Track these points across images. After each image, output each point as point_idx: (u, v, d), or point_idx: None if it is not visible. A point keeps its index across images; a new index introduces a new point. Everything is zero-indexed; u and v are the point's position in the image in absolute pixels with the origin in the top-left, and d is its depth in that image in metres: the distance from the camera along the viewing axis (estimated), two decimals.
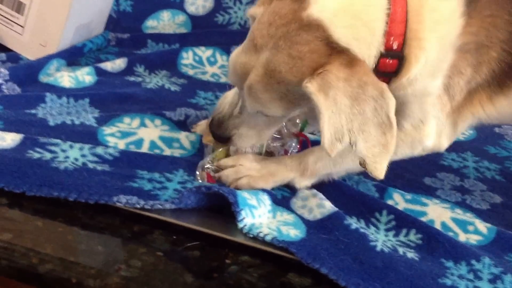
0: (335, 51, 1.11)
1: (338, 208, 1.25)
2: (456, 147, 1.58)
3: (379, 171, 1.11)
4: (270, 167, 1.31)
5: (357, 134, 1.09)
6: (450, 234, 1.25)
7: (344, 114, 1.09)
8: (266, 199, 1.24)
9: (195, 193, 1.18)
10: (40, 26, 1.73)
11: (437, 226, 1.28)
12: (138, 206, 1.17)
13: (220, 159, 1.33)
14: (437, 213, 1.31)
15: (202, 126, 1.47)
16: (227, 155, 1.34)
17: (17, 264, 1.07)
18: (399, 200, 1.34)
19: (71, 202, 1.19)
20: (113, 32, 1.99)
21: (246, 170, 1.29)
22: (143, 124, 1.48)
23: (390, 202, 1.33)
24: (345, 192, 1.32)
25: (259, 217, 1.18)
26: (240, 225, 1.15)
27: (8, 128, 1.37)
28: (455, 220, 1.30)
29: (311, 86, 1.09)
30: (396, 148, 1.16)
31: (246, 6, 2.08)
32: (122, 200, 1.17)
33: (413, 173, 1.45)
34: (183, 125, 1.50)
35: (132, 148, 1.39)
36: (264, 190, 1.27)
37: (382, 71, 1.17)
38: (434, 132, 1.27)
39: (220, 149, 1.34)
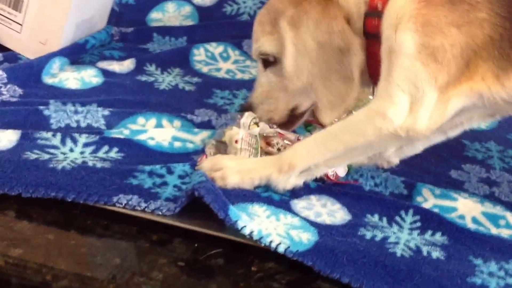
0: None
1: (357, 208, 1.20)
2: (478, 136, 1.53)
3: (328, 119, 1.15)
4: (247, 164, 1.24)
5: (318, 79, 1.12)
6: (481, 229, 1.20)
7: (308, 57, 1.12)
8: (257, 210, 1.15)
9: (188, 198, 1.13)
10: (40, 23, 1.66)
11: (468, 221, 1.22)
12: (139, 208, 1.12)
13: (225, 139, 1.31)
14: (467, 208, 1.25)
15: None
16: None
17: (29, 282, 1.01)
18: (428, 195, 1.27)
19: (82, 210, 1.13)
20: (116, 26, 1.91)
21: (222, 164, 1.22)
22: (159, 125, 1.41)
23: (419, 198, 1.27)
24: (364, 190, 1.27)
25: (260, 222, 1.11)
26: (246, 232, 1.07)
27: (4, 127, 1.31)
28: (486, 214, 1.24)
29: (285, 19, 1.16)
30: (357, 127, 1.14)
31: None
32: (122, 201, 1.13)
33: (439, 166, 1.39)
34: (205, 127, 1.43)
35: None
36: (253, 198, 1.18)
37: (370, 32, 1.15)
38: (404, 106, 1.11)
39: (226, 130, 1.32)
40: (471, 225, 1.19)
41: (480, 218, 1.23)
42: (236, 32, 1.94)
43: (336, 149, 1.17)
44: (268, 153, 1.30)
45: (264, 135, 1.32)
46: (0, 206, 1.13)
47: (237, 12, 2.01)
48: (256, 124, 1.32)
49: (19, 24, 1.67)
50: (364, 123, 1.14)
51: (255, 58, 1.32)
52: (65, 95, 1.49)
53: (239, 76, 1.77)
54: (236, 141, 1.29)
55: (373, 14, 1.15)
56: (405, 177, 1.30)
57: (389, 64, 1.11)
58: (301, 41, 1.14)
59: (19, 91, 1.49)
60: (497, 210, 1.26)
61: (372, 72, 1.21)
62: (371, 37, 1.16)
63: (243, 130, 1.30)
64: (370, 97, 1.50)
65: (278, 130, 1.34)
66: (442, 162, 1.40)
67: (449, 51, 1.08)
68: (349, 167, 1.31)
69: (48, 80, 1.57)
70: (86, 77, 1.60)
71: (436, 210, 1.22)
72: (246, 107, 1.35)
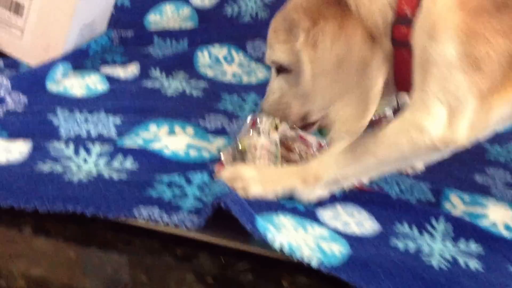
0: (336, 3, 1.11)
1: (384, 217, 1.16)
2: (497, 138, 1.48)
3: (341, 136, 1.12)
4: (269, 173, 1.20)
5: (338, 96, 1.09)
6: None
7: (328, 76, 1.09)
8: (283, 220, 1.11)
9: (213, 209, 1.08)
10: (42, 28, 1.60)
11: (501, 228, 1.18)
12: (161, 220, 1.07)
13: (242, 147, 1.27)
14: (499, 214, 1.22)
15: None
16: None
17: None
18: (457, 202, 1.24)
19: (102, 224, 1.08)
20: (114, 29, 1.85)
21: (243, 174, 1.18)
22: (172, 132, 1.36)
23: (447, 205, 1.23)
24: (391, 197, 1.23)
25: (288, 234, 1.07)
26: (276, 246, 1.02)
27: (13, 137, 1.27)
28: None
29: (301, 33, 1.11)
30: (390, 139, 1.10)
31: None
32: (143, 213, 1.08)
33: (461, 170, 1.36)
34: (218, 133, 1.39)
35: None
36: (277, 208, 1.14)
37: (398, 40, 1.10)
38: (442, 117, 1.06)
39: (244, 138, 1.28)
40: (504, 233, 1.16)
41: None
42: (239, 33, 1.90)
43: (367, 161, 1.13)
44: (288, 160, 1.26)
45: (284, 139, 1.28)
46: (15, 222, 1.08)
47: (238, 13, 1.96)
48: (275, 128, 1.28)
49: (20, 29, 1.61)
50: (398, 136, 1.10)
51: (268, 63, 1.27)
52: (71, 103, 1.44)
53: (245, 79, 1.73)
54: (255, 149, 1.25)
55: (402, 22, 1.09)
56: (430, 182, 1.27)
57: (425, 74, 1.07)
58: (320, 62, 1.09)
59: (24, 99, 1.43)
60: None
61: (399, 80, 1.16)
62: (399, 45, 1.11)
63: (262, 137, 1.26)
64: (386, 108, 1.47)
65: (300, 132, 1.30)
66: (464, 166, 1.36)
67: (495, 59, 1.03)
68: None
69: (52, 87, 1.51)
70: (91, 83, 1.55)
71: (466, 217, 1.19)
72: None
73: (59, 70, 1.55)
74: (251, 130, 1.31)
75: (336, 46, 1.09)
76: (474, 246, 1.11)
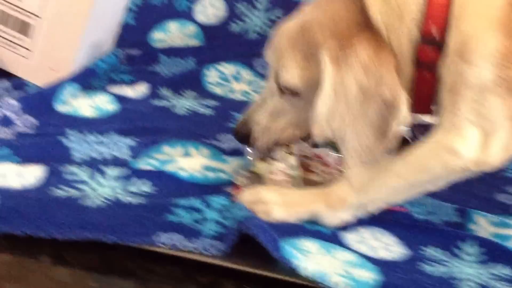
0: (368, 26, 1.05)
1: (411, 240, 1.14)
2: None
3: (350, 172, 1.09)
4: (291, 196, 1.17)
5: (349, 127, 1.04)
6: None
7: (346, 101, 1.03)
8: (308, 245, 1.08)
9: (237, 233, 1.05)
10: (50, 48, 1.56)
11: None
12: (183, 247, 1.04)
13: (256, 171, 1.25)
14: None
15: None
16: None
17: None
18: (483, 223, 1.21)
19: (121, 252, 1.04)
20: (119, 47, 1.82)
21: (264, 197, 1.15)
22: (186, 153, 1.33)
23: (473, 226, 1.21)
24: (416, 219, 1.20)
25: (315, 260, 1.04)
26: (304, 273, 0.99)
27: (26, 162, 1.23)
28: None
29: (326, 53, 1.04)
30: (421, 162, 1.07)
31: (263, 12, 1.93)
32: (164, 240, 1.04)
33: (482, 189, 1.33)
34: (233, 154, 1.35)
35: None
36: (300, 232, 1.11)
37: (423, 61, 1.06)
38: (474, 139, 1.04)
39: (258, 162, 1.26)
40: None
41: None
42: (246, 51, 1.87)
43: (396, 185, 1.11)
44: (309, 181, 1.24)
45: (302, 160, 1.25)
46: (33, 250, 1.04)
47: (244, 30, 1.93)
48: (290, 152, 1.25)
49: (27, 49, 1.58)
50: (429, 158, 1.07)
51: (275, 82, 1.17)
52: (82, 124, 1.40)
53: (254, 97, 1.70)
54: (273, 173, 1.22)
55: (428, 42, 1.05)
56: (452, 202, 1.24)
57: (456, 96, 1.04)
58: (342, 83, 1.03)
59: (34, 121, 1.39)
60: None
61: (417, 102, 1.10)
62: (423, 67, 1.07)
63: (278, 162, 1.23)
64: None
65: (315, 151, 1.27)
66: (484, 185, 1.34)
67: None
68: None
69: (61, 108, 1.48)
70: (101, 104, 1.52)
71: (493, 239, 1.16)
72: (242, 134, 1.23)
73: (67, 91, 1.51)
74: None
75: (366, 73, 1.03)
76: (506, 270, 1.08)
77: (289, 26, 1.15)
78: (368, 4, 1.07)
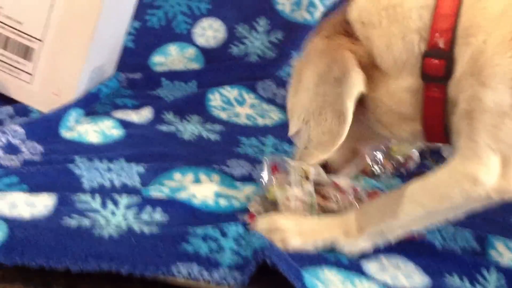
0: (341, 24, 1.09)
1: (432, 268, 1.12)
2: None
3: (314, 159, 1.10)
4: (308, 224, 1.15)
5: (313, 116, 1.06)
6: None
7: (307, 92, 1.06)
8: (328, 275, 1.06)
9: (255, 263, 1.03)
10: (53, 73, 1.53)
11: None
12: (201, 278, 1.01)
13: (270, 197, 1.22)
14: None
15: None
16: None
17: None
18: (503, 250, 1.19)
19: (138, 283, 1.02)
20: (120, 71, 1.80)
21: (280, 225, 1.13)
22: (197, 180, 1.30)
23: (493, 253, 1.19)
24: (436, 246, 1.18)
25: None
26: None
27: (34, 190, 1.19)
28: None
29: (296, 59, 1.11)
30: (440, 190, 1.05)
31: (263, 35, 1.91)
32: (182, 270, 1.02)
33: (499, 214, 1.31)
34: (245, 180, 1.33)
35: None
36: (320, 261, 1.10)
37: (429, 74, 1.04)
38: (495, 166, 1.01)
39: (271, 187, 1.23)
40: None
41: None
42: (247, 74, 1.86)
43: (414, 212, 1.08)
44: (325, 209, 1.21)
45: (318, 187, 1.23)
46: (46, 281, 1.01)
47: (245, 53, 1.92)
48: (306, 177, 1.23)
49: (30, 74, 1.54)
50: (449, 187, 1.04)
51: None
52: (88, 150, 1.38)
53: (260, 121, 1.69)
54: (288, 200, 1.20)
55: (436, 55, 1.03)
56: (472, 229, 1.22)
57: (473, 121, 1.00)
58: (305, 76, 1.08)
59: (39, 148, 1.36)
60: None
61: (429, 123, 1.08)
62: (431, 81, 1.04)
63: (294, 188, 1.21)
64: (413, 150, 1.43)
65: (333, 178, 1.25)
66: (501, 210, 1.31)
67: None
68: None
69: (66, 134, 1.45)
70: (106, 129, 1.49)
71: None
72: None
73: (72, 116, 1.48)
74: (273, 177, 1.26)
75: (321, 60, 1.07)
76: None
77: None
78: (351, 2, 1.09)
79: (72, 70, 1.52)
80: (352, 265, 1.10)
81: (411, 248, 1.16)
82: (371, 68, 1.08)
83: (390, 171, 1.41)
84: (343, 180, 1.26)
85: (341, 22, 1.11)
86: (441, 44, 1.02)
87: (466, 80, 1.01)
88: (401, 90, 1.08)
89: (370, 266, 1.11)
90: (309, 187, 1.21)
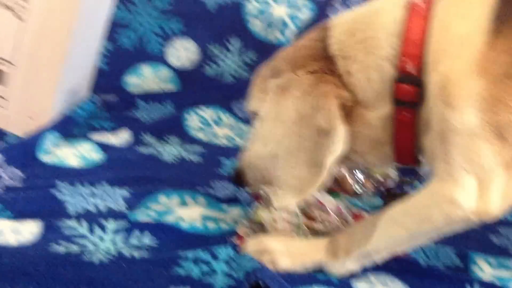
0: (324, 57, 1.08)
1: (419, 286, 1.14)
2: None
3: (282, 203, 1.08)
4: (296, 246, 1.16)
5: (284, 154, 1.05)
6: None
7: (283, 126, 1.05)
8: None
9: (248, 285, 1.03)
10: (27, 96, 1.52)
11: None
12: None
13: (257, 219, 1.24)
14: None
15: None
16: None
17: None
18: (484, 266, 1.22)
19: None
20: (95, 93, 1.78)
21: (269, 247, 1.14)
22: (183, 203, 1.30)
23: (475, 269, 1.22)
24: (421, 264, 1.20)
25: None
26: None
27: (19, 216, 1.18)
28: None
29: (274, 81, 1.08)
30: (421, 212, 1.05)
31: (236, 55, 1.93)
32: None
33: (476, 231, 1.32)
34: (231, 202, 1.33)
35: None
36: (311, 281, 1.10)
37: (401, 99, 1.04)
38: (472, 188, 1.01)
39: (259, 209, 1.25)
40: None
41: None
42: (222, 94, 1.87)
43: (397, 234, 1.09)
44: (312, 229, 1.23)
45: (304, 208, 1.25)
46: None
47: (220, 73, 1.93)
48: None
49: (3, 98, 1.52)
50: (429, 209, 1.04)
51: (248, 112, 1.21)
52: (70, 175, 1.36)
53: (239, 141, 1.70)
54: (275, 221, 1.21)
55: (406, 80, 1.03)
56: (454, 247, 1.25)
57: (446, 144, 1.01)
58: (283, 107, 1.06)
59: (20, 174, 1.34)
60: None
61: (399, 147, 1.10)
62: (402, 105, 1.05)
63: (280, 210, 1.22)
64: (390, 169, 1.46)
65: (317, 197, 1.27)
66: (481, 227, 1.34)
67: None
68: None
69: (45, 158, 1.43)
70: (85, 153, 1.48)
71: (496, 281, 1.18)
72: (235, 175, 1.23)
73: (48, 140, 1.47)
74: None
75: (305, 100, 1.05)
76: None
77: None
78: (329, 35, 1.08)
79: (45, 93, 1.51)
80: (342, 284, 1.11)
81: (397, 265, 1.17)
82: (352, 106, 1.08)
83: (371, 190, 1.43)
84: (327, 199, 1.28)
85: (321, 54, 1.10)
86: (411, 69, 1.03)
87: (436, 104, 1.02)
88: (376, 118, 1.09)
89: (359, 285, 1.12)
90: (295, 208, 1.23)
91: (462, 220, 1.04)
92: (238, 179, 1.22)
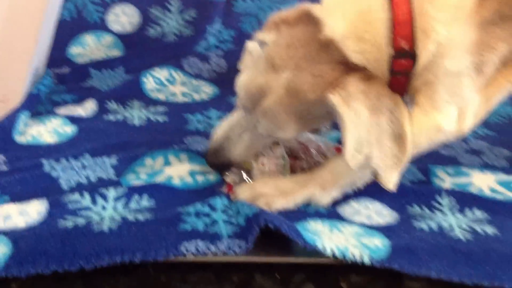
0: (352, 69, 1.14)
1: (395, 203, 1.27)
2: None
3: (391, 183, 1.16)
4: (286, 185, 1.27)
5: (374, 145, 1.14)
6: (500, 198, 1.30)
7: (363, 125, 1.13)
8: (316, 226, 1.18)
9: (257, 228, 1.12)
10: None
11: (487, 192, 1.33)
12: (210, 251, 1.09)
13: (246, 165, 1.33)
14: (481, 180, 1.36)
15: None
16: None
17: None
18: (443, 176, 1.37)
19: (151, 268, 1.09)
20: (50, 68, 1.81)
21: (261, 191, 1.25)
22: (167, 162, 1.38)
23: (437, 180, 1.37)
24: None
25: (329, 238, 1.14)
26: (328, 253, 1.10)
27: (17, 199, 1.22)
28: (501, 183, 1.36)
29: (334, 98, 1.13)
30: (414, 139, 1.18)
31: (176, 14, 1.98)
32: (190, 248, 1.09)
33: None
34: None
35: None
36: (303, 216, 1.22)
37: (398, 71, 1.17)
38: (453, 115, 1.20)
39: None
40: (493, 195, 1.31)
41: (497, 188, 1.34)
42: (170, 53, 1.92)
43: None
44: (295, 168, 1.34)
45: (289, 150, 1.35)
46: (64, 285, 1.05)
47: (162, 34, 1.98)
48: (277, 143, 1.34)
49: None
50: (417, 136, 1.19)
51: (262, 132, 1.24)
52: (51, 152, 1.40)
53: (196, 97, 1.77)
54: (263, 164, 1.31)
55: (402, 56, 1.16)
56: (413, 163, 1.35)
57: (434, 85, 1.18)
58: (356, 113, 1.13)
59: (2, 157, 1.38)
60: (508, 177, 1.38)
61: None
62: (397, 74, 1.18)
63: (266, 153, 1.32)
64: None
65: (300, 140, 1.38)
66: None
67: (495, 61, 1.17)
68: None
69: (20, 139, 1.47)
70: (58, 127, 1.52)
71: (456, 188, 1.33)
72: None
73: (21, 120, 1.50)
74: None
75: (368, 96, 1.14)
76: (479, 213, 1.25)
77: (262, 83, 1.20)
78: (344, 49, 1.14)
79: (17, 76, 1.53)
80: (331, 214, 1.24)
81: (372, 189, 1.30)
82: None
83: None
84: (309, 139, 1.39)
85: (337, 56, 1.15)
86: (404, 46, 1.15)
87: (430, 60, 1.16)
88: None
89: (345, 211, 1.25)
90: (281, 151, 1.33)
91: (442, 142, 1.23)
92: (214, 159, 1.31)
